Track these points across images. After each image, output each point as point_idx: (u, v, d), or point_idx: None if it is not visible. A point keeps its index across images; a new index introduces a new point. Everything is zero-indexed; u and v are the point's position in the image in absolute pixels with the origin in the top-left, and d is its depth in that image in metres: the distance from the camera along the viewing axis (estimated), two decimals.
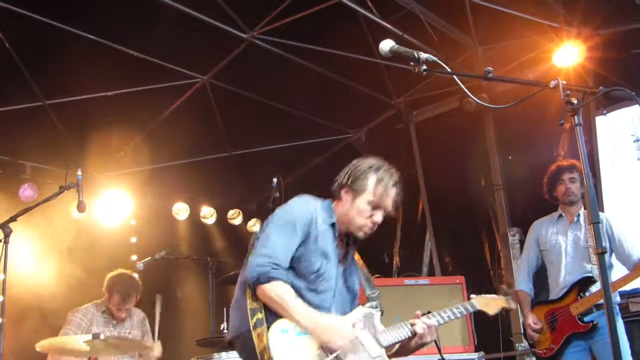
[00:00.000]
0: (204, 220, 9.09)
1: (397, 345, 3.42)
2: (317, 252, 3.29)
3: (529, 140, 7.48)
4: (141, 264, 6.07)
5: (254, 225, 9.50)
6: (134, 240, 8.32)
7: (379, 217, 3.42)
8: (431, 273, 8.13)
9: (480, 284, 7.68)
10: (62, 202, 6.23)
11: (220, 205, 9.22)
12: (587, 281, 4.87)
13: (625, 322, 5.01)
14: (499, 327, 7.36)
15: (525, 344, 6.95)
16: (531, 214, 6.09)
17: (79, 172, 4.53)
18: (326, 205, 3.45)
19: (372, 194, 3.39)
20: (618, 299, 5.07)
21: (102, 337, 4.40)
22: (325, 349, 3.05)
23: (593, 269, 4.87)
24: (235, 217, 9.35)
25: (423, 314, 3.63)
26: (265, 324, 3.02)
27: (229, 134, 8.13)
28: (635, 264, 4.82)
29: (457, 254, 8.22)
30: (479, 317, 7.05)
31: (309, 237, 3.29)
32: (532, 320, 5.10)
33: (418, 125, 8.70)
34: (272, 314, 3.07)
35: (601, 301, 4.72)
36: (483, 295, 3.83)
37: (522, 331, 5.62)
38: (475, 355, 5.92)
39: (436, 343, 5.35)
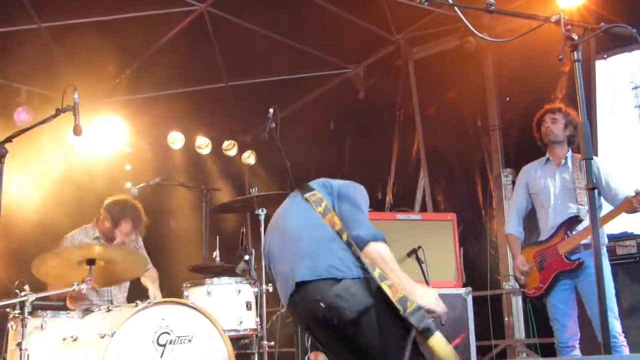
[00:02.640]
0: (198, 150, 9.11)
1: None
2: None
3: (528, 83, 7.44)
4: (136, 190, 6.09)
5: (248, 157, 9.53)
6: (128, 167, 8.34)
7: None
8: (423, 210, 8.18)
9: (471, 222, 7.77)
10: (58, 126, 6.20)
11: (215, 136, 9.22)
12: (574, 220, 4.94)
13: (611, 265, 5.08)
14: (487, 267, 7.48)
15: (512, 283, 7.09)
16: (525, 155, 6.11)
17: (76, 95, 4.48)
18: None
19: None
20: (606, 240, 5.14)
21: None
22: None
23: (580, 210, 4.93)
24: (230, 148, 9.36)
25: None
26: (387, 278, 3.15)
27: (225, 64, 8.08)
28: (621, 202, 4.87)
29: (450, 192, 8.27)
30: (468, 256, 7.22)
31: None
32: (520, 262, 5.19)
33: (417, 63, 8.63)
34: None
35: (587, 240, 4.80)
36: None
37: (512, 273, 5.71)
38: (462, 290, 6.01)
39: (424, 276, 5.47)
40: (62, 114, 4.55)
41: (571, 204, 5.03)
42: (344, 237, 3.29)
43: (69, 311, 5.01)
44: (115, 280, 5.40)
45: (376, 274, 3.13)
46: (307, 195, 3.53)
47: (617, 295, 4.90)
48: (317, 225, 3.40)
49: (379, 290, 3.11)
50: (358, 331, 3.18)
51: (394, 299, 3.06)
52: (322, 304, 3.21)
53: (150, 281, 5.67)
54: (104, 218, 5.63)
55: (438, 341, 3.01)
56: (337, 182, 3.63)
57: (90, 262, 4.65)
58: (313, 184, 3.63)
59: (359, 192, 3.58)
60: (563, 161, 5.17)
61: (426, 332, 3.00)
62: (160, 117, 8.65)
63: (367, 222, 3.39)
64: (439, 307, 3.21)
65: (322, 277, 3.24)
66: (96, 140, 7.86)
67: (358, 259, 3.22)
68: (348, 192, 3.54)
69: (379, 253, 3.22)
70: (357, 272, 3.20)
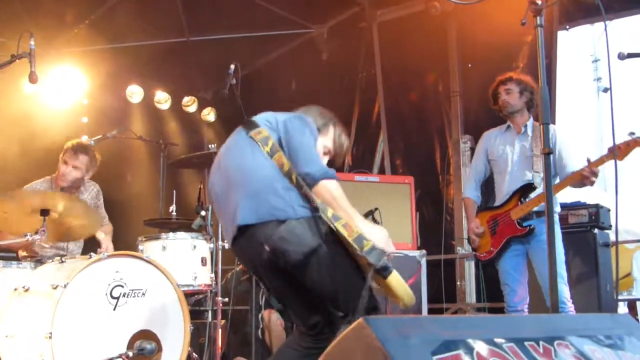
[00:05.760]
0: (158, 105, 9.00)
1: None
2: None
3: (490, 50, 7.48)
4: (92, 141, 5.97)
5: (208, 114, 9.45)
6: (85, 120, 8.21)
7: (324, 162, 3.59)
8: (382, 173, 8.22)
9: (428, 187, 7.85)
10: (13, 75, 6.07)
11: (175, 91, 9.11)
12: (528, 188, 5.00)
13: (563, 233, 5.17)
14: (442, 232, 7.58)
15: (465, 247, 7.21)
16: (485, 122, 6.16)
17: (32, 42, 4.37)
18: None
19: (332, 141, 3.66)
20: (558, 208, 5.22)
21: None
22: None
23: (535, 177, 4.99)
24: (190, 104, 9.27)
25: None
26: (340, 218, 3.06)
27: (188, 18, 7.95)
28: (567, 175, 4.94)
29: (409, 157, 8.34)
30: (423, 220, 7.29)
31: None
32: (475, 225, 5.26)
33: (381, 26, 8.60)
34: None
35: (539, 207, 4.88)
36: None
37: (466, 236, 5.78)
38: (417, 253, 6.08)
39: None
40: (17, 60, 4.44)
41: (527, 171, 5.08)
42: (293, 177, 3.18)
43: (21, 261, 4.95)
44: (70, 236, 5.30)
45: (329, 214, 3.05)
46: (252, 133, 3.37)
47: (567, 262, 5.00)
48: (261, 165, 3.26)
49: (329, 230, 3.05)
50: (305, 273, 3.12)
51: (349, 238, 2.98)
52: (266, 248, 3.13)
53: (103, 233, 5.62)
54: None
55: (396, 279, 2.97)
56: (282, 117, 3.46)
57: (44, 212, 4.58)
58: (257, 119, 3.48)
59: (305, 125, 3.43)
60: (523, 129, 5.20)
61: (384, 271, 2.95)
62: (119, 69, 8.49)
63: (317, 158, 3.27)
64: (389, 246, 3.14)
65: (265, 219, 3.14)
66: (53, 91, 7.69)
67: (306, 198, 3.13)
68: (294, 127, 3.38)
69: (329, 191, 3.12)
70: (302, 212, 3.11)
